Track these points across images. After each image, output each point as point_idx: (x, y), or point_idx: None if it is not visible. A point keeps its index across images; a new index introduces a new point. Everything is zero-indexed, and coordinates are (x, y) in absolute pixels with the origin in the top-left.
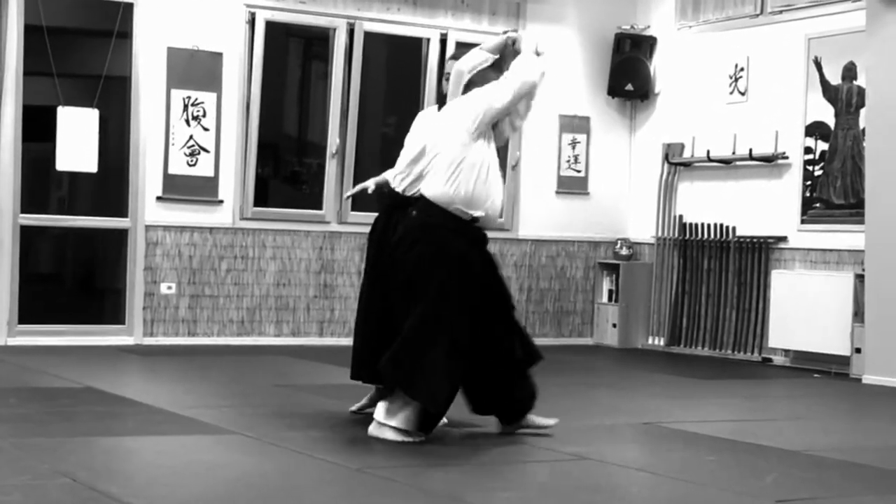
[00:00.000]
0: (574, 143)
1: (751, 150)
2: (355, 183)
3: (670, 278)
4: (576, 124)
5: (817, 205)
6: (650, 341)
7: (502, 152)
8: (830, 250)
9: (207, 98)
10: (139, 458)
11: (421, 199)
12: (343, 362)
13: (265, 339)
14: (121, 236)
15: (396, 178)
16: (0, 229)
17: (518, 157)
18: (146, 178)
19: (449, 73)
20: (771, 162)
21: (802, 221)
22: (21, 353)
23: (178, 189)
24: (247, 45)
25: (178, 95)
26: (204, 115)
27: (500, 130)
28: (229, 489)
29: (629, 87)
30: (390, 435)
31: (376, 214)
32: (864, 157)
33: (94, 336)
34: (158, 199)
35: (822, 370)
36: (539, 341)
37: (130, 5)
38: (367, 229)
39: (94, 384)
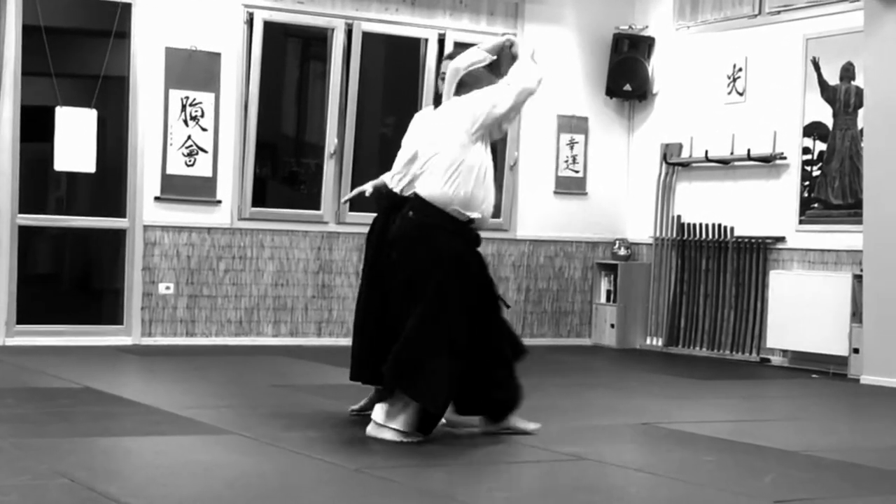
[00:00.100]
0: (572, 144)
1: (749, 151)
2: (353, 183)
3: (668, 279)
4: (574, 124)
5: (815, 205)
6: (648, 342)
7: (500, 153)
8: (828, 251)
9: (205, 98)
10: (137, 459)
11: (417, 199)
12: (341, 362)
13: (263, 339)
14: (119, 236)
15: (394, 178)
16: None
17: (516, 158)
18: (144, 179)
19: (444, 73)
20: (769, 162)
21: (800, 222)
22: (19, 353)
23: (176, 189)
24: (245, 46)
25: (176, 95)
26: (202, 116)
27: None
28: (227, 489)
29: (627, 87)
30: (389, 436)
31: (374, 215)
32: (863, 158)
33: (92, 336)
34: (156, 199)
35: (820, 370)
36: (537, 341)
37: (128, 5)
38: (366, 230)
39: (92, 384)
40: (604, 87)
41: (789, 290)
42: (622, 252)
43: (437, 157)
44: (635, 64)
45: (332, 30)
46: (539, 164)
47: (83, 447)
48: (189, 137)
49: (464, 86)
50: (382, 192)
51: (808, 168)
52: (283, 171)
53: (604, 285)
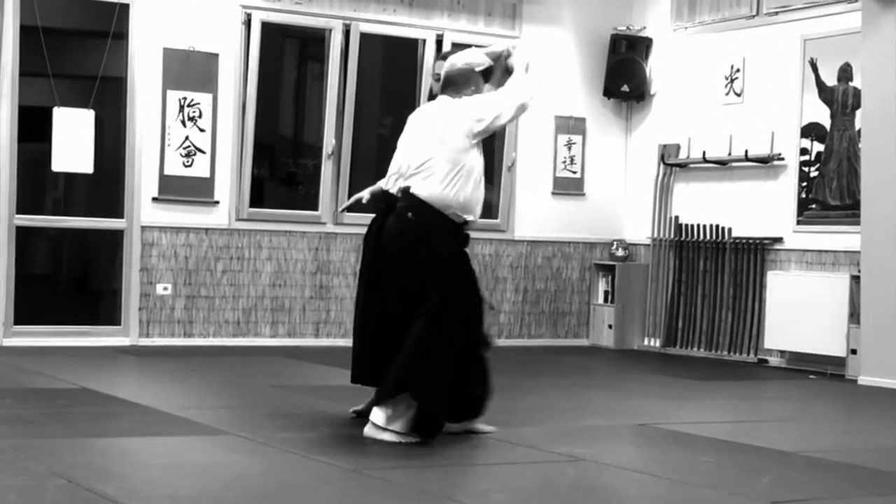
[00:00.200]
0: (570, 144)
1: (746, 152)
2: (351, 184)
3: (666, 279)
4: (572, 125)
5: (813, 206)
6: (646, 342)
7: (497, 153)
8: (826, 251)
9: (203, 99)
10: (135, 459)
11: (414, 199)
12: (339, 363)
13: (261, 339)
14: (116, 237)
15: (391, 178)
16: None
17: (514, 158)
18: (142, 179)
19: (439, 74)
20: (767, 163)
21: (798, 222)
22: (17, 353)
23: (173, 190)
24: (243, 46)
25: (174, 96)
26: (200, 116)
27: None
28: (225, 490)
29: (625, 88)
30: (389, 437)
31: (372, 216)
32: (860, 159)
33: (90, 337)
34: (154, 199)
35: (817, 371)
36: (535, 342)
37: (126, 6)
38: (363, 230)
39: (90, 385)
40: (601, 87)
41: (787, 291)
42: (620, 253)
43: (436, 160)
44: (633, 65)
45: (330, 30)
46: (537, 164)
47: (81, 448)
48: (187, 138)
49: (452, 85)
50: (379, 197)
51: (806, 169)
52: (281, 172)
53: (601, 286)
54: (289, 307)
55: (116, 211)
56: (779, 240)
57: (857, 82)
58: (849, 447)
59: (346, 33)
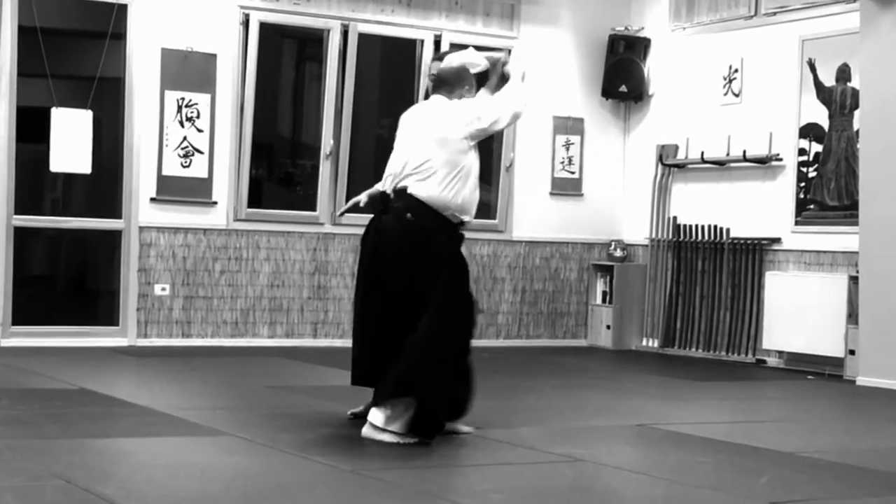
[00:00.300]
0: (568, 145)
1: (745, 152)
2: (349, 184)
3: (664, 280)
4: (570, 126)
5: (811, 206)
6: (644, 343)
7: (495, 154)
8: (824, 252)
9: (201, 99)
10: (133, 460)
11: (411, 199)
12: (337, 364)
13: (259, 340)
14: (114, 238)
15: (387, 179)
16: None
17: (512, 159)
18: (140, 180)
19: (433, 74)
20: (765, 163)
21: (796, 223)
22: (15, 354)
23: (171, 190)
24: (241, 47)
25: (172, 97)
26: (198, 117)
27: None
28: (223, 490)
29: (623, 88)
30: (387, 438)
31: (370, 217)
32: (858, 159)
33: (87, 337)
34: (152, 200)
35: (815, 372)
36: (533, 343)
37: (124, 6)
38: (362, 231)
39: (88, 386)
40: (600, 88)
41: (785, 292)
42: (618, 253)
43: (434, 161)
44: (631, 65)
45: (328, 31)
46: (535, 165)
47: (79, 448)
48: (185, 138)
49: (446, 84)
50: (377, 199)
51: (804, 169)
52: (279, 173)
53: (600, 286)
54: (287, 307)
55: (114, 211)
56: (777, 240)
57: (855, 83)
58: (847, 448)
59: (345, 34)
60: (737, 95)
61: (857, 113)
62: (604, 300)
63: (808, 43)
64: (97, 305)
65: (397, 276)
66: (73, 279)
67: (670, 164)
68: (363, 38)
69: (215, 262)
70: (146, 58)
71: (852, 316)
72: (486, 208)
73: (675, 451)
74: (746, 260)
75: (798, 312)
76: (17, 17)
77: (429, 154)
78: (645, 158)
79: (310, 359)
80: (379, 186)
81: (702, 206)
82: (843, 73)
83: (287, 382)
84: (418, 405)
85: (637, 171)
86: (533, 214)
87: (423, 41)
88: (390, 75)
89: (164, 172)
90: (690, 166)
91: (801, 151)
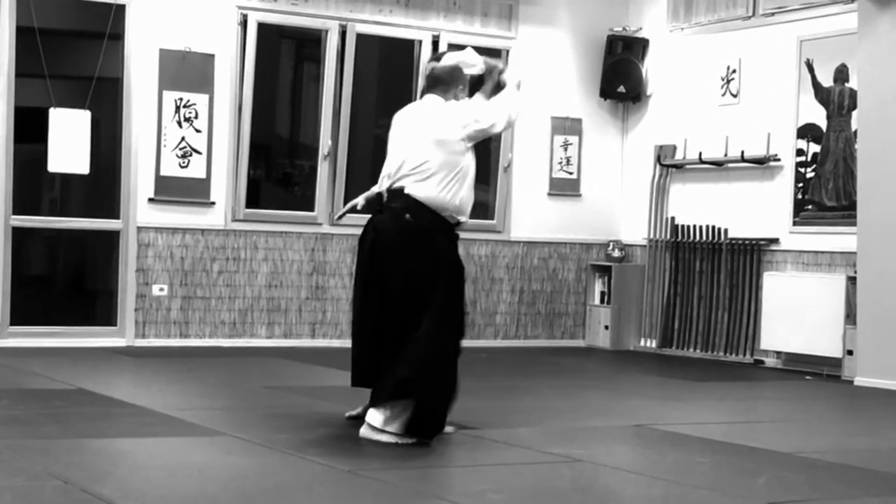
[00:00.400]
0: (566, 145)
1: (743, 153)
2: (347, 185)
3: (662, 280)
4: (568, 126)
5: (809, 207)
6: (642, 343)
7: (493, 154)
8: (822, 252)
9: (199, 100)
10: (131, 460)
11: (409, 200)
12: (335, 364)
13: (257, 340)
14: (113, 238)
15: (384, 179)
16: None
17: (510, 159)
18: (138, 180)
19: (427, 73)
20: (763, 164)
21: (794, 223)
22: (13, 354)
23: (169, 191)
24: (239, 47)
25: (170, 97)
26: (196, 117)
27: None
28: (221, 491)
29: (621, 88)
30: (385, 438)
31: (368, 217)
32: (856, 159)
33: (86, 338)
34: (150, 200)
35: (813, 372)
36: (531, 343)
37: (122, 7)
38: (359, 231)
39: (86, 386)
40: (598, 88)
41: (783, 292)
42: (616, 254)
43: (433, 162)
44: (629, 65)
45: (326, 31)
46: (533, 165)
47: (77, 448)
48: (183, 139)
49: (440, 84)
50: (374, 202)
51: (802, 170)
52: (277, 173)
53: (598, 287)
54: (285, 308)
55: (112, 212)
56: (775, 241)
57: (853, 83)
58: (845, 448)
59: (343, 34)
60: (735, 96)
61: (855, 113)
62: (602, 300)
63: (806, 43)
64: (95, 306)
65: (396, 276)
66: (71, 279)
67: (668, 165)
68: (361, 38)
69: (213, 263)
70: (144, 58)
71: (850, 316)
72: (484, 208)
73: (674, 451)
74: (744, 260)
75: (796, 313)
76: (15, 18)
77: (427, 155)
78: (643, 159)
79: (308, 359)
80: (375, 189)
81: (700, 206)
82: (841, 74)
83: (285, 383)
84: (418, 405)
85: (635, 171)
86: (531, 215)
87: (421, 42)
88: (388, 76)
89: (163, 173)
90: (688, 167)
91: (799, 152)
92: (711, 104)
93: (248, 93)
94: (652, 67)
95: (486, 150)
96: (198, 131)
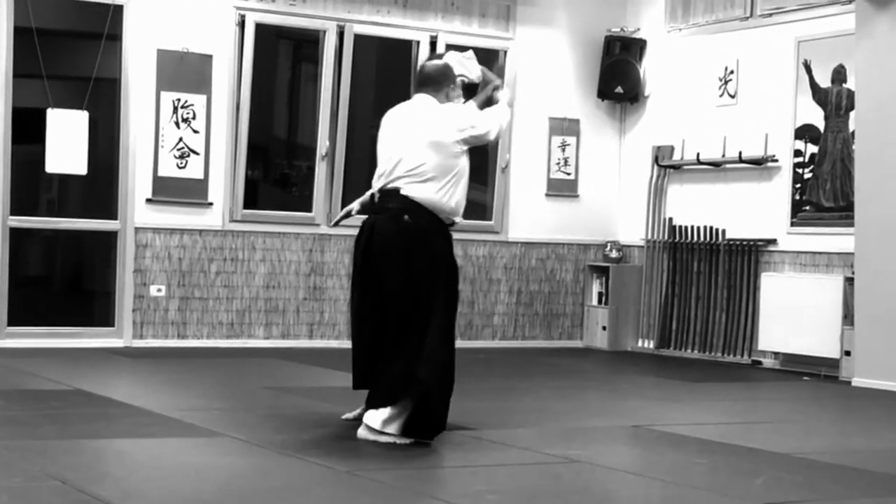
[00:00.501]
0: (564, 146)
1: (740, 153)
2: (345, 185)
3: (660, 281)
4: (565, 127)
5: (807, 207)
6: (640, 344)
7: (491, 155)
8: (820, 253)
9: (197, 100)
10: (129, 461)
11: (407, 201)
12: (333, 365)
13: (255, 341)
14: (110, 238)
15: (380, 179)
16: None
17: (508, 160)
18: (136, 181)
19: (418, 72)
20: (761, 165)
21: (792, 224)
22: (10, 355)
23: (167, 191)
24: (237, 48)
25: (168, 98)
26: (194, 118)
27: None
28: (219, 491)
29: (619, 89)
30: (383, 439)
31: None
32: (854, 160)
33: (83, 338)
34: (148, 201)
35: (811, 373)
36: (529, 344)
37: (120, 7)
38: (357, 232)
39: (83, 386)
40: (595, 89)
41: (781, 293)
42: (614, 254)
43: (430, 165)
44: (627, 66)
45: (324, 32)
46: (531, 166)
47: (75, 449)
48: (181, 139)
49: (432, 83)
50: (369, 206)
51: (800, 170)
52: (275, 174)
53: (595, 287)
54: (283, 309)
55: (110, 212)
56: (773, 241)
57: (850, 84)
58: (843, 449)
59: (340, 34)
60: (732, 97)
61: (852, 114)
62: (600, 301)
63: (804, 44)
64: (93, 306)
65: (395, 277)
66: (68, 280)
67: (666, 166)
68: (359, 38)
69: (211, 263)
70: (142, 59)
71: (848, 317)
72: (481, 209)
73: (671, 452)
74: (742, 261)
75: (794, 313)
76: (13, 18)
77: (423, 158)
78: (641, 159)
79: (305, 360)
80: (369, 193)
81: (697, 207)
82: (839, 75)
83: (283, 383)
84: (421, 405)
85: (633, 172)
86: (529, 215)
87: (418, 42)
88: (386, 76)
89: (160, 173)
90: (686, 167)
91: (797, 153)
92: (709, 105)
93: (245, 93)
94: (650, 68)
95: (484, 150)
96: (195, 132)
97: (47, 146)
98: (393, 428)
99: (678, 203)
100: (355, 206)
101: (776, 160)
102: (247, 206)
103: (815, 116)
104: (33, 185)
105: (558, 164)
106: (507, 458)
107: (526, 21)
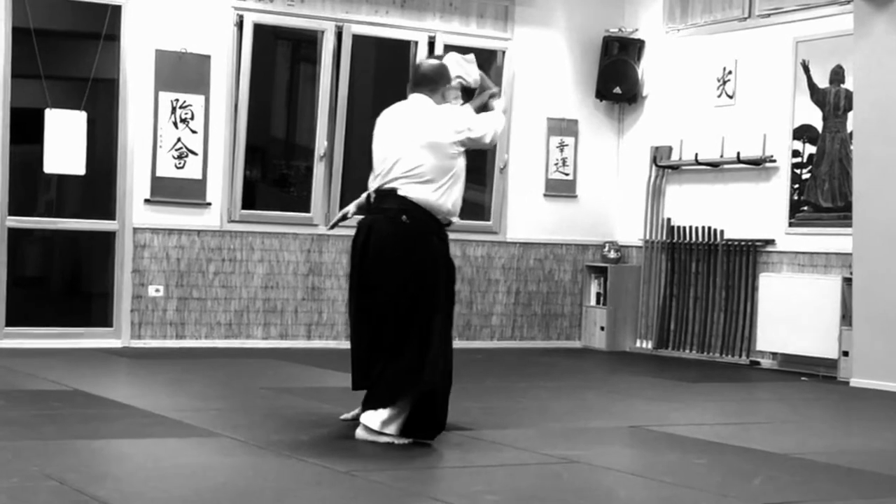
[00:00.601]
0: (562, 146)
1: (739, 154)
2: (343, 186)
3: (658, 281)
4: (564, 127)
5: (805, 208)
6: (638, 344)
7: (490, 155)
8: (818, 253)
9: (195, 101)
10: (128, 461)
11: (405, 202)
12: (331, 365)
13: (253, 341)
14: (108, 239)
15: (376, 180)
16: None
17: (506, 160)
18: (134, 181)
19: (413, 72)
20: (759, 165)
21: (790, 224)
22: (9, 355)
23: (165, 191)
24: (235, 48)
25: (166, 98)
26: (192, 118)
27: None
28: (217, 492)
29: (617, 90)
30: (382, 440)
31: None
32: (852, 161)
33: (82, 339)
34: (146, 201)
35: (809, 373)
36: (527, 344)
37: (118, 7)
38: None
39: (82, 387)
40: (593, 89)
41: (779, 293)
42: (612, 255)
43: (427, 166)
44: (625, 67)
45: (322, 32)
46: (529, 166)
47: (73, 449)
48: (179, 140)
49: (427, 82)
50: (365, 208)
51: (798, 171)
52: (273, 174)
53: (594, 288)
54: (281, 309)
55: (108, 213)
56: (771, 242)
57: (849, 84)
58: (841, 449)
59: (339, 35)
60: (731, 97)
61: (850, 114)
62: (598, 302)
63: (802, 44)
64: (91, 307)
65: (394, 277)
66: (67, 280)
67: (664, 166)
68: (357, 39)
69: (209, 264)
70: (140, 59)
71: (846, 317)
72: (480, 210)
73: (669, 452)
74: (740, 261)
75: (792, 314)
76: (11, 18)
77: (420, 159)
78: (639, 160)
79: (304, 360)
80: (364, 195)
81: (696, 207)
82: (837, 75)
83: (281, 384)
84: (423, 405)
85: (631, 172)
86: (527, 216)
87: (417, 42)
88: (385, 77)
89: (158, 174)
90: (684, 168)
91: (795, 153)
92: (707, 105)
93: (244, 94)
94: (648, 68)
95: (482, 151)
96: (194, 132)
97: (45, 146)
98: (392, 428)
99: (676, 203)
100: (351, 208)
101: (774, 160)
102: (245, 206)
103: (814, 117)
104: (31, 186)
105: (556, 164)
106: (505, 458)
107: (524, 21)
